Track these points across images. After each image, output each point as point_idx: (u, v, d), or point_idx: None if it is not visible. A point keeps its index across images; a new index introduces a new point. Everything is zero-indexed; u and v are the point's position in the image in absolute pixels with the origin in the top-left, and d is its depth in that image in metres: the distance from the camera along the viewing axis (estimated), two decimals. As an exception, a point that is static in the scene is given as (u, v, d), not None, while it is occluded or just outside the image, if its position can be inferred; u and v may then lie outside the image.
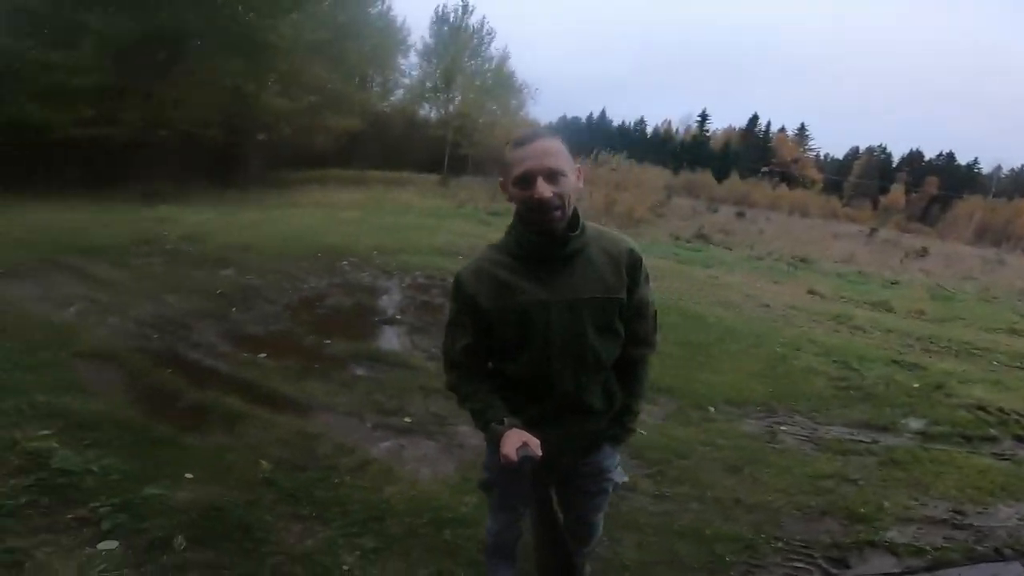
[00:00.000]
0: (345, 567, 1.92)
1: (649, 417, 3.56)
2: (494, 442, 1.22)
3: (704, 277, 9.49)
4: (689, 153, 57.25)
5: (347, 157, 24.38)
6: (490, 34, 29.20)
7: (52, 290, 5.72)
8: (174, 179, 15.35)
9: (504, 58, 29.93)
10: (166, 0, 14.21)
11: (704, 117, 63.77)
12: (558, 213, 1.19)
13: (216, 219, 10.91)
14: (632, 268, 1.31)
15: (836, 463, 3.16)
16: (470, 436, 2.97)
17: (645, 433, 3.26)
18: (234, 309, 5.26)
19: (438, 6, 29.23)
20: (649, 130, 66.30)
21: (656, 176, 22.03)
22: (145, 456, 2.68)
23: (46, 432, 2.80)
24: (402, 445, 2.99)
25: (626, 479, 1.67)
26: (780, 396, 4.27)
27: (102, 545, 1.94)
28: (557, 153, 1.19)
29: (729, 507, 2.56)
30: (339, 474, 2.59)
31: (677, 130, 67.44)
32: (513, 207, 1.28)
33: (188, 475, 2.52)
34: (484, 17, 28.23)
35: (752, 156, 56.99)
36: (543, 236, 1.23)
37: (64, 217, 10.73)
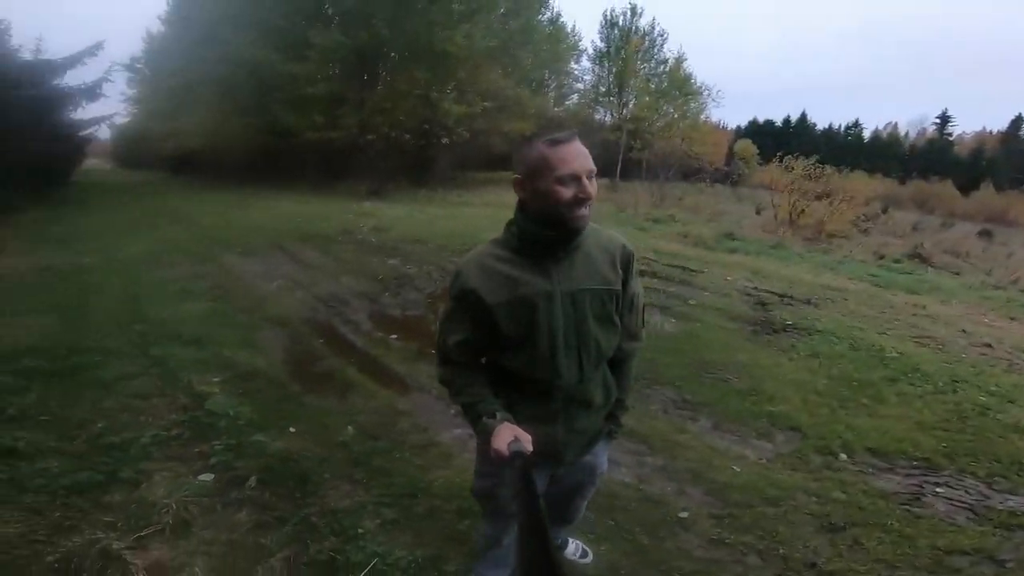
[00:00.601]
0: (360, 531, 2.12)
1: (753, 453, 3.13)
2: (485, 436, 1.24)
3: (904, 304, 7.79)
4: (923, 160, 48.06)
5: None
6: (663, 36, 28.31)
7: (269, 268, 7.21)
8: (382, 179, 17.90)
9: (680, 60, 28.66)
10: (368, 17, 16.60)
11: (945, 119, 52.70)
12: (588, 211, 1.25)
13: (404, 215, 12.45)
14: (625, 263, 1.38)
15: (988, 539, 2.40)
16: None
17: (739, 470, 2.89)
18: (387, 293, 5.99)
19: (606, 10, 29.16)
20: (867, 134, 56.28)
21: (864, 185, 18.60)
22: (271, 408, 3.27)
23: (215, 379, 3.60)
24: (471, 436, 3.11)
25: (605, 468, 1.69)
26: (956, 454, 3.36)
27: (201, 477, 2.44)
28: (590, 155, 1.25)
29: (796, 570, 2.13)
30: (402, 450, 2.82)
31: (906, 134, 56.85)
32: (517, 201, 1.33)
33: (291, 429, 3.00)
34: (655, 19, 27.56)
35: (1015, 164, 44.77)
36: (561, 232, 1.27)
37: (294, 209, 13.35)
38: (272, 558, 1.97)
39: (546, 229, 1.27)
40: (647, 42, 28.37)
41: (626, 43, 27.62)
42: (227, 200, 16.45)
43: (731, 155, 39.18)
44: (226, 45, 17.06)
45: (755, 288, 6.94)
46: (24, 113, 11.73)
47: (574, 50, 27.67)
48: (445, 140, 18.17)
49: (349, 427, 3.04)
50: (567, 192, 1.22)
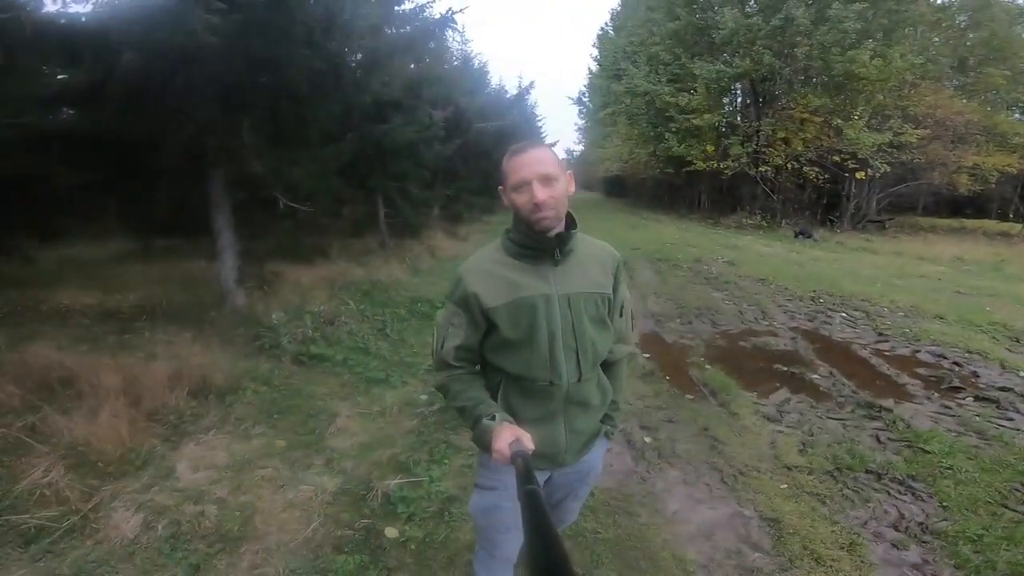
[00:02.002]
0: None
1: None
2: (486, 439, 1.24)
3: None
4: None
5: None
6: None
7: (636, 278, 8.17)
8: (774, 212, 16.61)
9: None
10: (749, 45, 15.26)
11: None
12: (551, 213, 1.28)
13: (773, 252, 11.38)
14: (615, 269, 1.43)
15: None
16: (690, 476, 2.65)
17: None
18: (677, 320, 5.86)
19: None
20: None
21: None
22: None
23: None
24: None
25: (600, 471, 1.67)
26: None
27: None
28: (548, 161, 1.29)
29: None
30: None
31: None
32: (512, 212, 1.37)
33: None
34: None
35: None
36: (542, 236, 1.31)
37: (673, 234, 14.06)
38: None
39: (533, 234, 1.31)
40: None
41: None
42: (626, 220, 18.70)
43: None
44: (629, 79, 19.25)
45: None
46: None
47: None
48: (860, 174, 15.24)
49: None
50: (520, 198, 1.27)
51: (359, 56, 4.79)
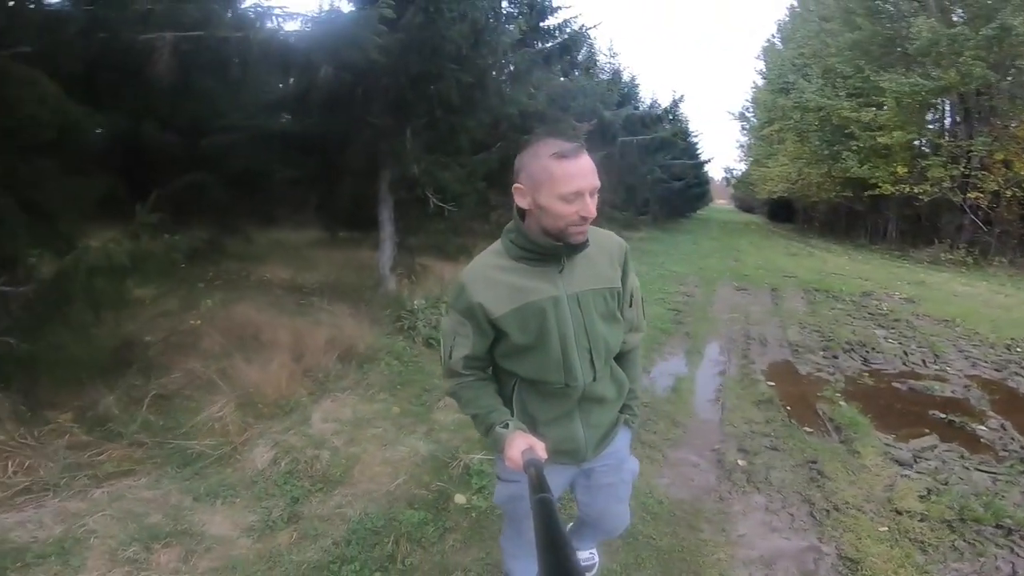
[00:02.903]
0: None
1: None
2: (499, 447, 1.22)
3: None
4: None
5: None
6: None
7: (744, 301, 7.51)
8: (981, 246, 13.63)
9: None
10: (955, 55, 12.32)
11: None
12: (587, 226, 1.22)
13: (970, 293, 9.36)
14: (623, 259, 1.37)
15: None
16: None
17: None
18: (821, 352, 5.12)
19: None
20: None
21: None
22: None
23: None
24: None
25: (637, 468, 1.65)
26: None
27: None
28: (596, 171, 1.20)
29: None
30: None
31: None
32: (515, 211, 1.26)
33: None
34: None
35: None
36: (559, 246, 1.22)
37: (844, 265, 12.39)
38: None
39: (545, 241, 1.22)
40: None
41: None
42: (786, 247, 16.82)
43: None
44: (799, 93, 17.00)
45: None
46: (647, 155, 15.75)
47: None
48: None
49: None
50: (569, 209, 1.16)
51: (509, 69, 5.06)
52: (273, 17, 2.86)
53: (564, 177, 1.14)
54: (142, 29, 2.68)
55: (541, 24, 6.78)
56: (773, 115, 21.69)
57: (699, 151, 27.62)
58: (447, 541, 2.11)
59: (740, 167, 37.29)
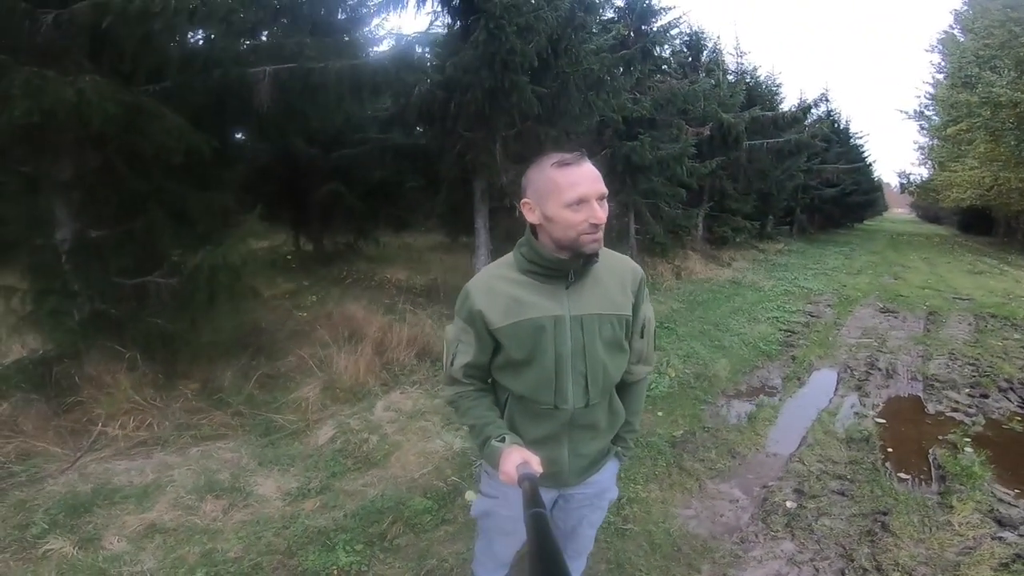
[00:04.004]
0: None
1: None
2: (493, 459, 1.19)
3: None
4: None
5: None
6: None
7: (886, 325, 6.44)
8: None
9: None
10: None
11: None
12: (601, 234, 1.18)
13: None
14: (636, 286, 1.30)
15: None
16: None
17: None
18: (966, 391, 4.16)
19: None
20: None
21: None
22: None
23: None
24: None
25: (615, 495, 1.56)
26: None
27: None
28: (602, 178, 1.17)
29: None
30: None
31: None
32: (527, 226, 1.24)
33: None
34: None
35: None
36: (572, 259, 1.19)
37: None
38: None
39: (557, 254, 1.18)
40: None
41: None
42: (971, 263, 13.92)
43: None
44: (986, 87, 13.60)
45: None
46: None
47: None
48: None
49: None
50: (577, 217, 1.13)
51: (603, 76, 4.99)
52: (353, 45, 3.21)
53: (567, 185, 1.12)
54: (252, 62, 3.21)
55: (643, 27, 6.55)
56: (957, 113, 18.05)
57: (864, 154, 24.09)
58: (439, 531, 2.19)
59: (920, 172, 31.47)
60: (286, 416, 3.42)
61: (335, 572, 1.98)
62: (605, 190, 1.14)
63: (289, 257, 8.34)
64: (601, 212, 1.13)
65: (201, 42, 3.33)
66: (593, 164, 1.16)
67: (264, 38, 3.39)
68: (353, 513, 2.29)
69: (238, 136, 4.53)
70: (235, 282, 3.66)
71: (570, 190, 1.11)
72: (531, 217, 1.19)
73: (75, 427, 3.10)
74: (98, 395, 3.25)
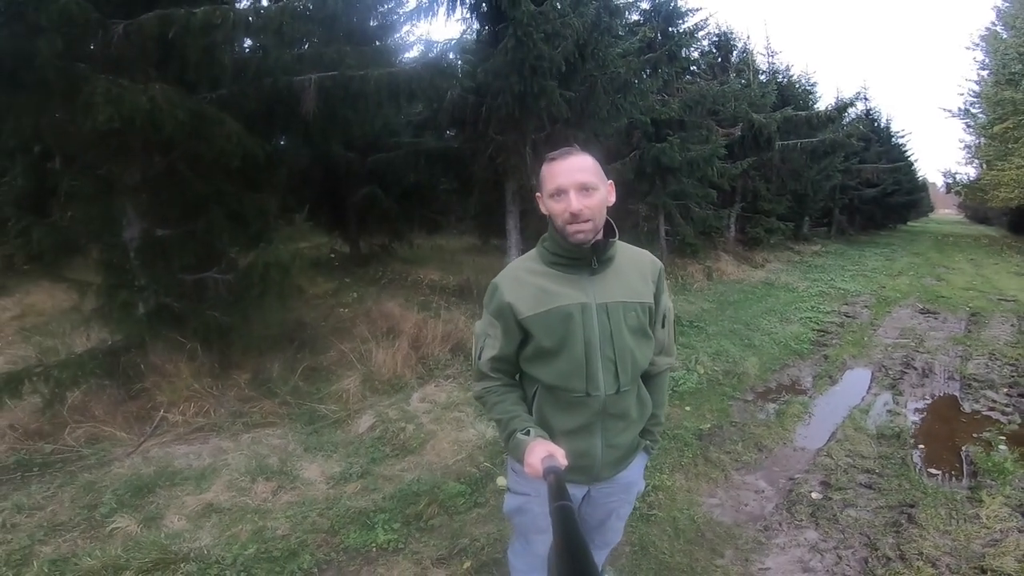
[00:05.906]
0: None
1: None
2: (519, 453, 1.18)
3: None
4: None
5: None
6: None
7: (926, 326, 6.22)
8: None
9: None
10: None
11: None
12: (587, 225, 1.20)
13: None
14: (657, 277, 1.33)
15: None
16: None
17: None
18: (1004, 391, 4.01)
19: None
20: None
21: None
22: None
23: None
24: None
25: (642, 487, 1.58)
26: None
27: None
28: (588, 169, 1.20)
29: None
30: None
31: None
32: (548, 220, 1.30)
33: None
34: None
35: None
36: (571, 247, 1.23)
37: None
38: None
39: (562, 243, 1.24)
40: None
41: None
42: (1019, 264, 13.15)
43: None
44: None
45: None
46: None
47: None
48: None
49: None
50: (558, 207, 1.19)
51: (630, 79, 5.03)
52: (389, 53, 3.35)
53: (549, 177, 1.20)
54: (298, 71, 3.40)
55: (670, 29, 6.52)
56: (1003, 110, 17.10)
57: (906, 152, 23.09)
58: (472, 513, 2.29)
59: (967, 171, 29.81)
60: (328, 406, 3.59)
61: (374, 549, 2.10)
62: (586, 180, 1.16)
63: (332, 256, 8.66)
64: (576, 202, 1.15)
65: (249, 52, 3.53)
66: (592, 157, 1.21)
67: (306, 47, 3.56)
68: (391, 495, 2.42)
69: (281, 142, 4.75)
70: (284, 279, 3.85)
71: (550, 181, 1.18)
72: (542, 209, 1.26)
73: (140, 413, 3.34)
74: (161, 383, 3.49)
